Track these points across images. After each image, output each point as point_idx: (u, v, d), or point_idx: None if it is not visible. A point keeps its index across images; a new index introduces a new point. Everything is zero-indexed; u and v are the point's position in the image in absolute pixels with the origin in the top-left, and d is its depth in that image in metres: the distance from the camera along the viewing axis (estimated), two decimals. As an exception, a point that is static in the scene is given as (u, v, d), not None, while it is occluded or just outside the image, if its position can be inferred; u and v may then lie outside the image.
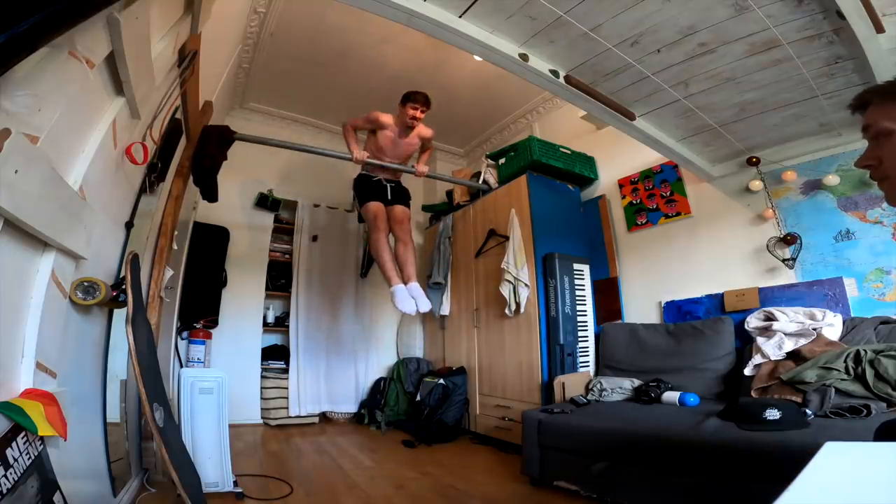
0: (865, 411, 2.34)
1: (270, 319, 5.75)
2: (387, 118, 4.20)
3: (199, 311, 5.01)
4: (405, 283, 4.10)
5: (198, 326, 4.94)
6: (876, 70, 2.33)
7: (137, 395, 2.35)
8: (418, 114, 4.11)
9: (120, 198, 2.36)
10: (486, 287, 4.92)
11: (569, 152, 4.85)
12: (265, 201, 5.79)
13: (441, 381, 4.96)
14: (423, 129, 4.32)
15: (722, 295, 3.76)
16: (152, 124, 2.48)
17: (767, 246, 3.54)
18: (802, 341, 3.01)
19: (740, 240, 3.80)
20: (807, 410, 2.45)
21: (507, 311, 4.39)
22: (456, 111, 6.10)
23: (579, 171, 4.85)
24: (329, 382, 5.64)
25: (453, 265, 5.55)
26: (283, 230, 6.03)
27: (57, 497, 1.46)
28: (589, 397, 3.61)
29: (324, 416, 5.63)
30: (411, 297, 4.00)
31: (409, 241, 4.30)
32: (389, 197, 4.33)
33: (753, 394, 2.92)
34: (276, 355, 5.60)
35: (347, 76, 5.38)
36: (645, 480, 2.52)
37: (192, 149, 3.50)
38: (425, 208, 6.45)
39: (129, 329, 1.92)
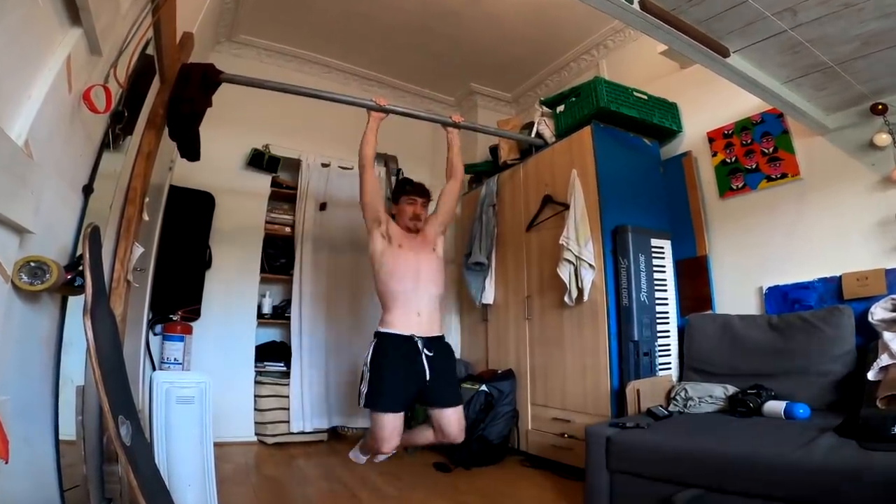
0: None
1: (267, 310, 5.84)
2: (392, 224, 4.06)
3: (177, 299, 5.09)
4: None
5: (175, 318, 5.02)
6: None
7: (98, 406, 2.37)
8: (418, 209, 4.08)
9: (76, 155, 2.37)
10: (540, 268, 4.92)
11: (645, 97, 4.78)
12: (260, 160, 5.83)
13: (483, 387, 4.94)
14: (430, 223, 4.17)
15: (839, 278, 3.70)
16: (117, 62, 2.48)
17: (897, 217, 3.46)
18: (942, 337, 2.93)
19: (863, 209, 3.70)
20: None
21: (566, 298, 4.36)
22: (502, 47, 6.03)
23: (658, 121, 4.78)
24: (341, 390, 5.70)
25: (498, 241, 5.55)
26: (283, 196, 6.09)
27: (-2, 533, 1.47)
28: (671, 408, 3.62)
29: (334, 432, 5.72)
30: None
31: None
32: (427, 376, 3.66)
33: (879, 404, 2.84)
34: (273, 355, 5.69)
35: (365, 1, 5.33)
36: (743, 514, 2.50)
37: (167, 93, 3.50)
38: (464, 169, 6.38)
39: (88, 321, 1.92)
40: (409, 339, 3.65)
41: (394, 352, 3.62)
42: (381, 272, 3.83)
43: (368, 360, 3.64)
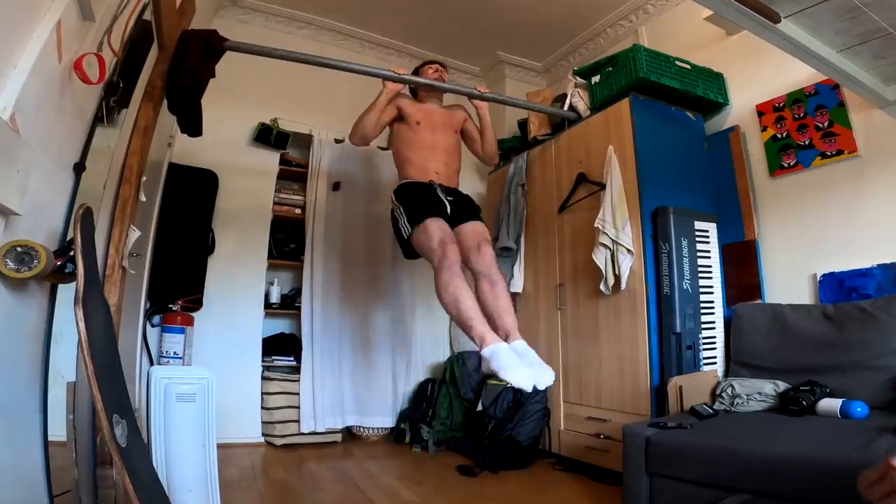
0: None
1: (275, 299, 5.86)
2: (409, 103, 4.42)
3: (177, 288, 5.11)
4: (506, 340, 3.39)
5: (174, 309, 5.04)
6: None
7: (91, 404, 2.38)
8: (443, 74, 4.52)
9: (67, 130, 2.37)
10: (573, 254, 4.91)
11: (688, 67, 4.73)
12: (267, 135, 5.83)
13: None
14: (465, 119, 4.69)
15: (901, 265, 3.68)
16: (111, 28, 2.47)
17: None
18: None
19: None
20: None
21: (602, 286, 4.35)
22: (531, 11, 6.00)
23: (703, 92, 4.74)
24: (356, 386, 5.73)
25: (528, 224, 5.54)
26: (293, 175, 6.10)
27: (-19, 542, 1.48)
28: (716, 406, 3.61)
29: (349, 433, 5.74)
30: (522, 364, 3.23)
31: (497, 276, 3.80)
32: (449, 212, 4.04)
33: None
34: (282, 348, 5.71)
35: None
36: (795, 521, 2.48)
37: (166, 62, 3.49)
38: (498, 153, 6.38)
39: (80, 312, 1.92)
40: (429, 185, 4.14)
41: (417, 186, 4.13)
42: (396, 143, 4.41)
43: (395, 199, 4.14)
